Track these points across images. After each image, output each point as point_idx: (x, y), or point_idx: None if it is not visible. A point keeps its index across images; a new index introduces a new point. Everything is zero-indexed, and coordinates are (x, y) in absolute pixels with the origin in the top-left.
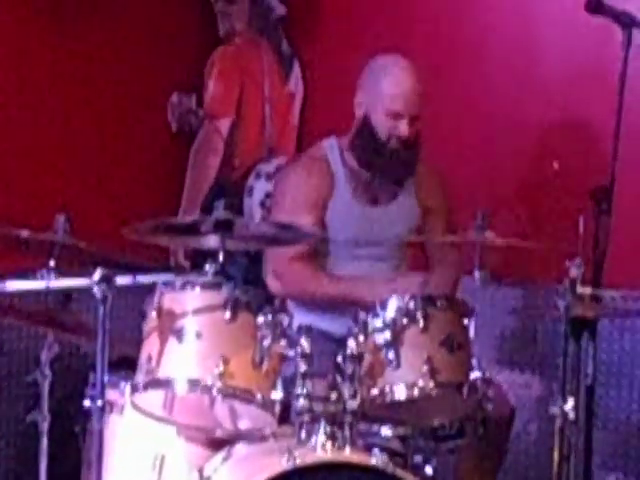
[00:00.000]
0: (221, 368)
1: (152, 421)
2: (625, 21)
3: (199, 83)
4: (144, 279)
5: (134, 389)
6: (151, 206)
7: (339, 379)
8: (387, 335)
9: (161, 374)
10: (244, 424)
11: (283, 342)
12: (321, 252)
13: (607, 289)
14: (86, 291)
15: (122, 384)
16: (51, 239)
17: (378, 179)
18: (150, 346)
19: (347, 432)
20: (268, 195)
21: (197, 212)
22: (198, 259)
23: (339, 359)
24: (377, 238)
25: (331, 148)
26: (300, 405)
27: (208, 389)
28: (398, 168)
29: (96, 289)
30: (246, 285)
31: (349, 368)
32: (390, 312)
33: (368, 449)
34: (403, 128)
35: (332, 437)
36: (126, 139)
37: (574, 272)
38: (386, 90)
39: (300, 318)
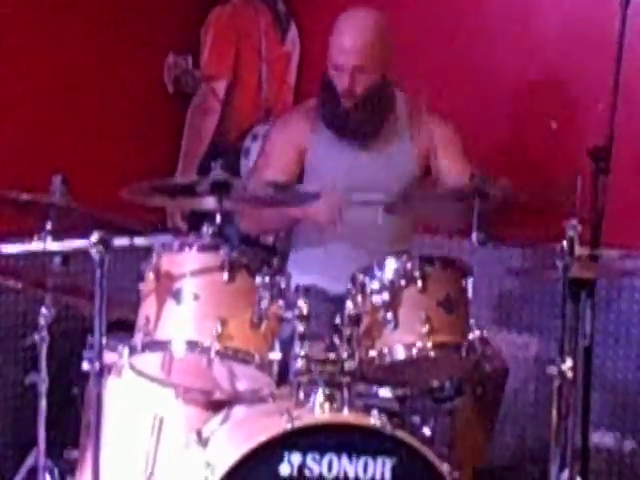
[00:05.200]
0: (219, 329)
1: (150, 383)
2: None
3: (195, 44)
4: (141, 241)
5: (132, 351)
6: (148, 168)
7: (337, 340)
8: (385, 296)
9: (159, 336)
10: (242, 385)
11: (281, 303)
12: None
13: (605, 249)
14: (83, 253)
15: (120, 346)
16: (48, 201)
17: (338, 136)
18: (148, 308)
19: (345, 393)
20: None
21: (194, 173)
22: (195, 220)
23: (337, 320)
24: (371, 181)
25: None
26: (298, 366)
27: (206, 350)
28: (355, 127)
29: (93, 251)
30: (243, 246)
31: (347, 329)
32: (388, 273)
33: (366, 410)
34: (343, 81)
35: (330, 398)
36: (122, 100)
37: (572, 232)
38: (331, 42)
39: (297, 277)
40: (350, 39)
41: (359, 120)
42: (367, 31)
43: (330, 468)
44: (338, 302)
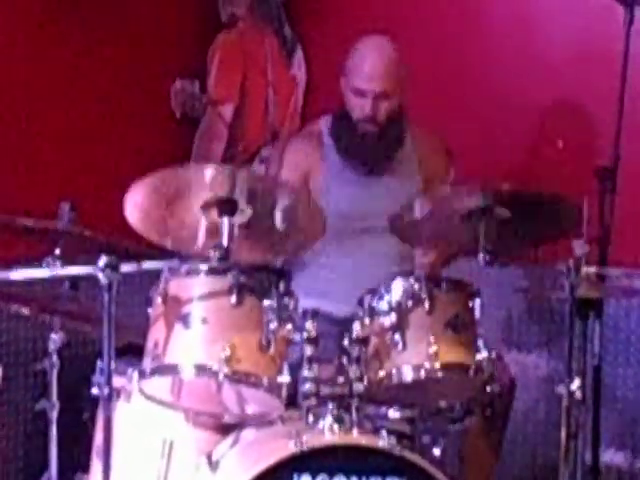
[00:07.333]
0: (227, 353)
1: (160, 407)
2: None
3: (202, 69)
4: (149, 266)
5: (141, 375)
6: None
7: (345, 362)
8: (393, 317)
9: (168, 360)
10: (251, 408)
11: (289, 326)
12: None
13: (613, 268)
14: (92, 278)
15: (129, 371)
16: (56, 227)
17: (353, 163)
18: (156, 332)
19: (354, 415)
20: None
21: None
22: None
23: (345, 342)
24: (376, 209)
25: (326, 121)
26: (307, 388)
27: (215, 374)
28: (371, 152)
29: (101, 276)
30: (251, 270)
31: (355, 351)
32: (395, 294)
33: (375, 432)
34: (367, 106)
35: (339, 420)
36: (130, 126)
37: (579, 251)
38: (353, 67)
39: (300, 300)
40: (374, 65)
41: (378, 146)
42: (389, 57)
43: None
44: (342, 325)
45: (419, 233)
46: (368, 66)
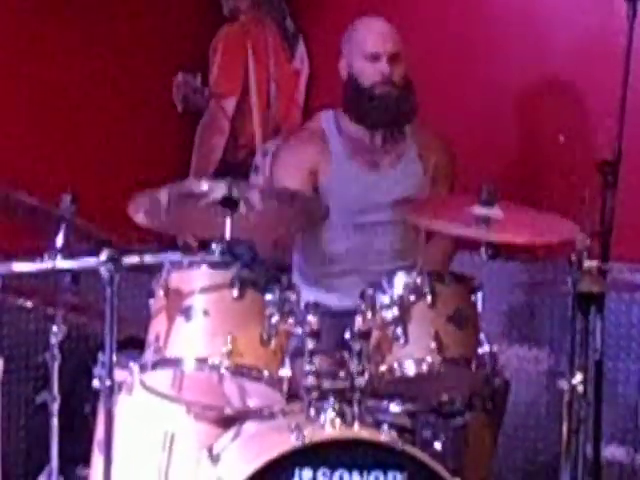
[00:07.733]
0: (229, 346)
1: (161, 400)
2: None
3: (204, 62)
4: (151, 259)
5: (143, 368)
6: (157, 186)
7: (347, 356)
8: (395, 311)
9: (169, 353)
10: (253, 402)
11: (291, 320)
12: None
13: (614, 262)
14: (93, 271)
15: (131, 364)
16: (58, 220)
17: (379, 132)
18: (158, 325)
19: (356, 409)
20: None
21: None
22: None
23: (347, 335)
24: (379, 204)
25: (327, 117)
26: (309, 382)
27: (216, 367)
28: (392, 114)
29: (103, 269)
30: (253, 263)
31: (357, 345)
32: (398, 288)
33: (377, 425)
34: (383, 67)
35: (341, 414)
36: (132, 119)
37: (581, 246)
38: (360, 37)
39: (304, 294)
40: (382, 28)
41: (398, 106)
42: (390, 25)
43: None
44: (340, 318)
45: None
46: (377, 31)
